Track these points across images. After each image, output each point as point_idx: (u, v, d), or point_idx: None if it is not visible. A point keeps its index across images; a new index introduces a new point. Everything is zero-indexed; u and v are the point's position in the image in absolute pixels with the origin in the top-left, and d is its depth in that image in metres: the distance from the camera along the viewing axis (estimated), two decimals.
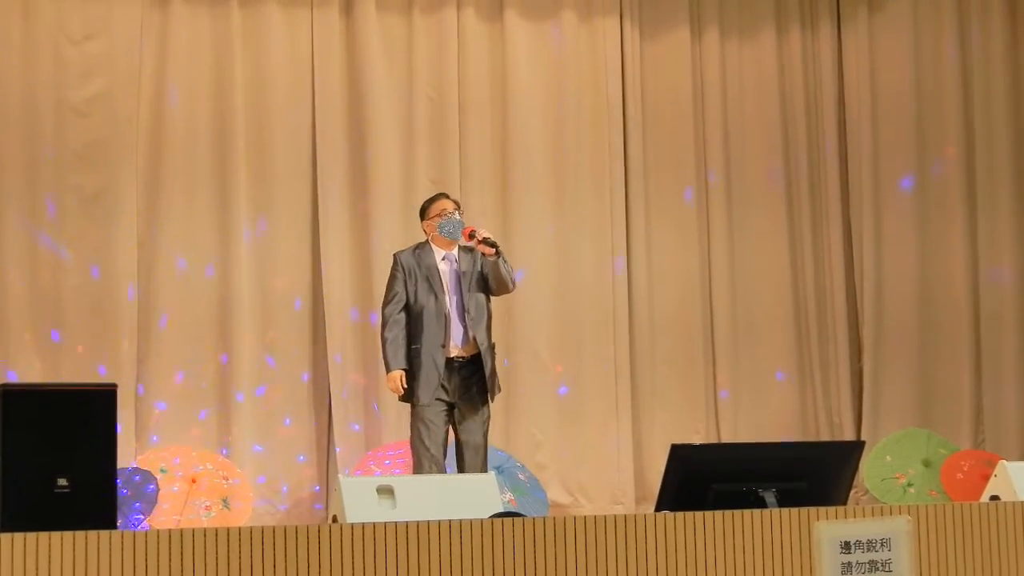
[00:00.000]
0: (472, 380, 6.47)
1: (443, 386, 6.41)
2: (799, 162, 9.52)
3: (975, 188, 8.86)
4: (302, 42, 8.68)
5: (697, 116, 9.42)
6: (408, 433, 6.63)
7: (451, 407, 6.46)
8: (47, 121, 8.22)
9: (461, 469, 6.47)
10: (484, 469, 6.46)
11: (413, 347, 6.45)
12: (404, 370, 6.42)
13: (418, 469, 6.42)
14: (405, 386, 6.41)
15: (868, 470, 8.38)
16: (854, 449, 4.96)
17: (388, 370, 6.48)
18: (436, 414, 6.42)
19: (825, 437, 9.20)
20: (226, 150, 8.48)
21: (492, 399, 6.53)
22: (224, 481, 7.78)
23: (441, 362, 6.40)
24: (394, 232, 8.68)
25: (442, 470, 6.40)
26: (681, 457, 4.53)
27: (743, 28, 9.54)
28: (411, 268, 6.53)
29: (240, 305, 8.41)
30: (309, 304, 8.61)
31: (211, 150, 8.48)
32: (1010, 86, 8.73)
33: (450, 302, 6.48)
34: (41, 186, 8.19)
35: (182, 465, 7.79)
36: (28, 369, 8.02)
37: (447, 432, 6.47)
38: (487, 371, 6.45)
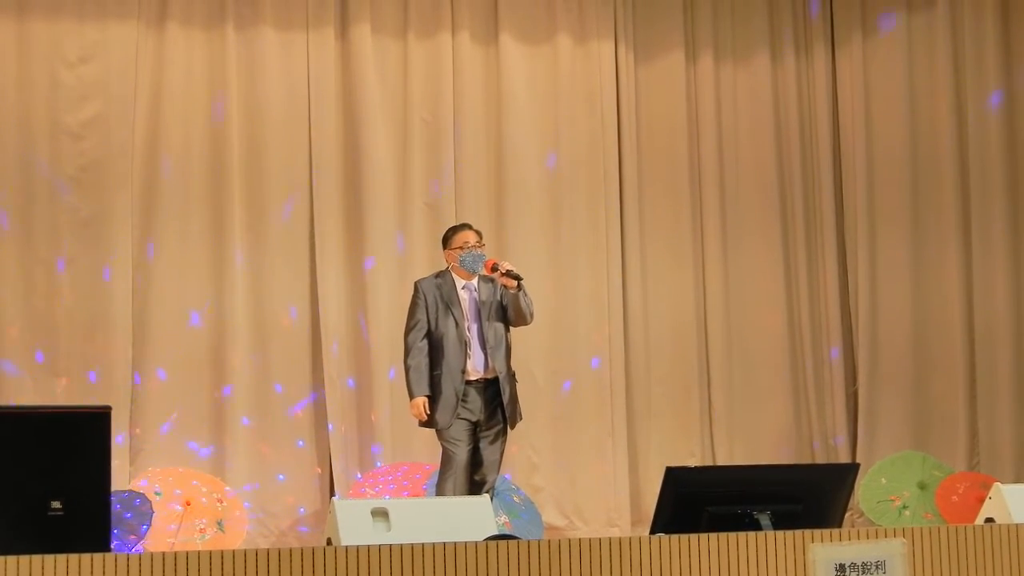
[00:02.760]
0: (496, 402, 6.65)
1: (465, 406, 6.58)
2: (794, 185, 9.53)
3: (969, 211, 8.87)
4: (298, 65, 8.70)
5: (692, 140, 9.44)
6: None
7: (475, 426, 6.58)
8: (42, 144, 8.24)
9: (471, 478, 6.60)
10: (491, 486, 6.63)
11: (434, 373, 6.63)
12: (427, 396, 6.54)
13: (441, 484, 6.60)
14: (428, 412, 6.54)
15: (863, 492, 8.37)
16: (849, 471, 4.94)
17: (411, 397, 6.65)
18: (460, 431, 6.61)
19: (820, 460, 9.19)
20: (221, 173, 8.50)
21: (512, 426, 6.72)
22: (219, 504, 7.77)
23: (460, 388, 6.59)
24: (389, 254, 8.69)
25: (464, 488, 6.50)
26: (676, 480, 4.52)
27: (737, 52, 9.57)
28: (432, 296, 6.66)
29: (235, 327, 8.41)
30: (305, 326, 8.60)
31: (206, 173, 8.49)
32: (1004, 109, 8.75)
33: (470, 330, 6.62)
34: (36, 208, 8.20)
35: (177, 487, 7.77)
36: (20, 391, 8.01)
37: (470, 450, 6.59)
38: (505, 398, 6.62)
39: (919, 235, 9.15)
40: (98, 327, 8.22)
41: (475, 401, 6.62)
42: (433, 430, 6.71)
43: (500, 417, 6.66)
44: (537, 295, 8.85)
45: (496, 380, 6.65)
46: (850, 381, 9.43)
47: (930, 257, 9.09)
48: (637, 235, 9.22)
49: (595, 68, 9.22)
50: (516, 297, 6.63)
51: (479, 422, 6.63)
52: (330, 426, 8.47)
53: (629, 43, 9.34)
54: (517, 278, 6.59)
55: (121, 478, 7.79)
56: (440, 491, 6.59)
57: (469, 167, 8.94)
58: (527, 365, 8.81)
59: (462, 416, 6.58)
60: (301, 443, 8.53)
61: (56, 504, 4.23)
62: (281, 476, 8.45)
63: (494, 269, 6.63)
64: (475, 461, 6.64)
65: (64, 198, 8.24)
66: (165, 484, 7.77)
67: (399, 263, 8.72)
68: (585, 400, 8.96)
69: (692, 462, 8.95)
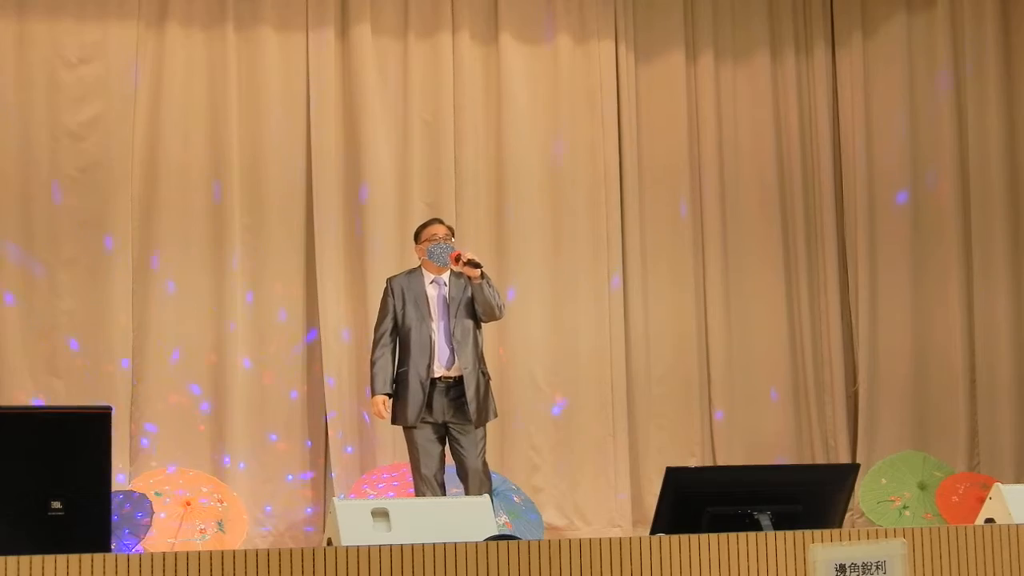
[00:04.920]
0: (462, 402, 6.54)
1: (429, 407, 6.48)
2: (794, 185, 9.54)
3: (970, 213, 8.86)
4: (297, 65, 8.70)
5: (692, 140, 9.44)
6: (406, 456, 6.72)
7: (443, 428, 6.50)
8: (42, 145, 8.24)
9: (466, 494, 6.52)
10: (487, 491, 6.54)
11: (400, 370, 6.57)
12: (387, 395, 6.51)
13: (417, 492, 6.52)
14: (388, 411, 6.52)
15: (863, 493, 8.37)
16: (849, 472, 4.94)
17: (372, 394, 6.59)
18: (427, 439, 6.52)
19: (820, 460, 9.19)
20: (221, 174, 8.50)
21: (479, 424, 6.58)
22: (219, 504, 7.77)
23: (427, 383, 6.49)
24: (389, 255, 8.69)
25: (438, 492, 6.44)
26: (676, 480, 4.51)
27: (737, 52, 9.57)
28: (401, 292, 6.63)
29: (236, 326, 8.41)
30: (305, 325, 8.61)
31: (205, 173, 8.50)
32: (1004, 111, 8.74)
33: (437, 326, 6.56)
34: (36, 209, 8.20)
35: (177, 487, 7.77)
36: (20, 391, 8.01)
37: (442, 453, 6.53)
38: (469, 394, 6.50)
39: (920, 238, 9.14)
40: (98, 328, 8.22)
41: (438, 402, 6.53)
42: (404, 435, 6.64)
43: (470, 423, 6.53)
44: (537, 294, 8.90)
45: (461, 380, 6.53)
46: (850, 381, 9.43)
47: (931, 262, 9.07)
48: (638, 234, 9.22)
49: (595, 68, 9.22)
50: (480, 288, 6.55)
51: (447, 424, 6.54)
52: (331, 428, 8.47)
53: (629, 43, 9.34)
54: (478, 266, 6.55)
55: (121, 478, 7.79)
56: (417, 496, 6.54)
57: (469, 167, 8.94)
58: (527, 366, 8.82)
59: (426, 420, 6.51)
60: (309, 443, 8.54)
61: (56, 504, 4.23)
62: (280, 477, 8.45)
63: (457, 260, 6.59)
64: (460, 472, 6.58)
65: (64, 198, 8.24)
66: (165, 484, 7.78)
67: (398, 262, 8.71)
68: (586, 400, 8.95)
69: (692, 463, 8.95)
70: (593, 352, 8.99)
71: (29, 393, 8.04)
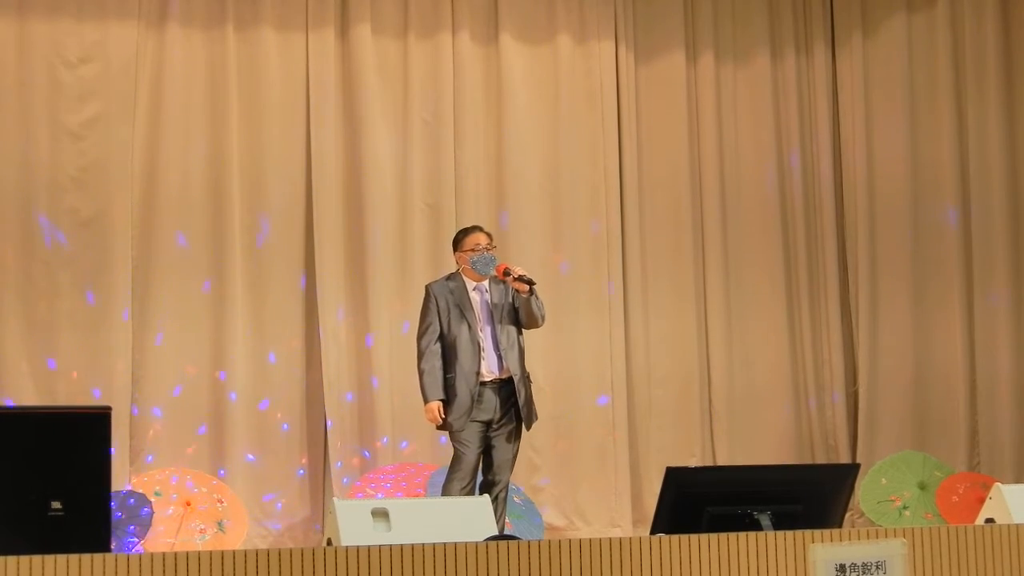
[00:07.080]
0: (511, 402, 6.65)
1: (479, 407, 6.58)
2: (794, 185, 9.53)
3: (970, 211, 8.86)
4: (297, 66, 8.69)
5: (692, 140, 9.43)
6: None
7: (487, 426, 6.59)
8: (43, 144, 8.24)
9: (486, 480, 6.62)
10: (507, 483, 6.65)
11: (448, 376, 6.62)
12: (441, 400, 6.54)
13: (447, 484, 6.60)
14: (443, 416, 6.54)
15: (863, 493, 8.37)
16: (849, 472, 4.95)
17: (426, 401, 6.64)
18: (472, 434, 6.60)
19: (820, 460, 9.19)
20: (221, 173, 8.50)
21: (528, 427, 6.71)
22: (219, 504, 7.77)
23: (475, 390, 6.58)
24: (389, 255, 8.69)
25: (471, 490, 6.56)
26: (676, 480, 4.52)
27: (737, 52, 9.57)
28: (444, 298, 6.65)
29: (234, 324, 8.41)
30: (304, 325, 8.60)
31: (206, 174, 8.49)
32: (1004, 111, 8.73)
33: (483, 332, 6.62)
34: (36, 209, 8.20)
35: (177, 488, 7.77)
36: (21, 390, 8.01)
37: (478, 459, 6.64)
38: (521, 400, 6.62)
39: (920, 239, 9.13)
40: (98, 327, 8.21)
41: (490, 401, 6.60)
42: (451, 439, 6.71)
43: (514, 416, 6.64)
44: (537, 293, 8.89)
45: (511, 380, 6.64)
46: (850, 381, 9.43)
47: (932, 264, 9.06)
48: (638, 234, 9.21)
49: (595, 68, 9.21)
50: (528, 301, 6.63)
51: (491, 421, 6.62)
52: (329, 423, 8.47)
53: (629, 43, 9.33)
54: (530, 283, 6.60)
55: (121, 478, 7.79)
56: (446, 491, 6.58)
57: (469, 167, 8.93)
58: (527, 366, 8.80)
59: (477, 418, 6.57)
60: (304, 444, 8.53)
61: (56, 504, 4.23)
62: (284, 474, 8.44)
63: (506, 274, 6.64)
64: (487, 460, 6.65)
65: (64, 198, 8.24)
66: (165, 484, 7.78)
67: (398, 261, 8.72)
68: (586, 401, 8.94)
69: (693, 463, 8.95)
70: (593, 352, 8.98)
71: (29, 393, 8.03)
